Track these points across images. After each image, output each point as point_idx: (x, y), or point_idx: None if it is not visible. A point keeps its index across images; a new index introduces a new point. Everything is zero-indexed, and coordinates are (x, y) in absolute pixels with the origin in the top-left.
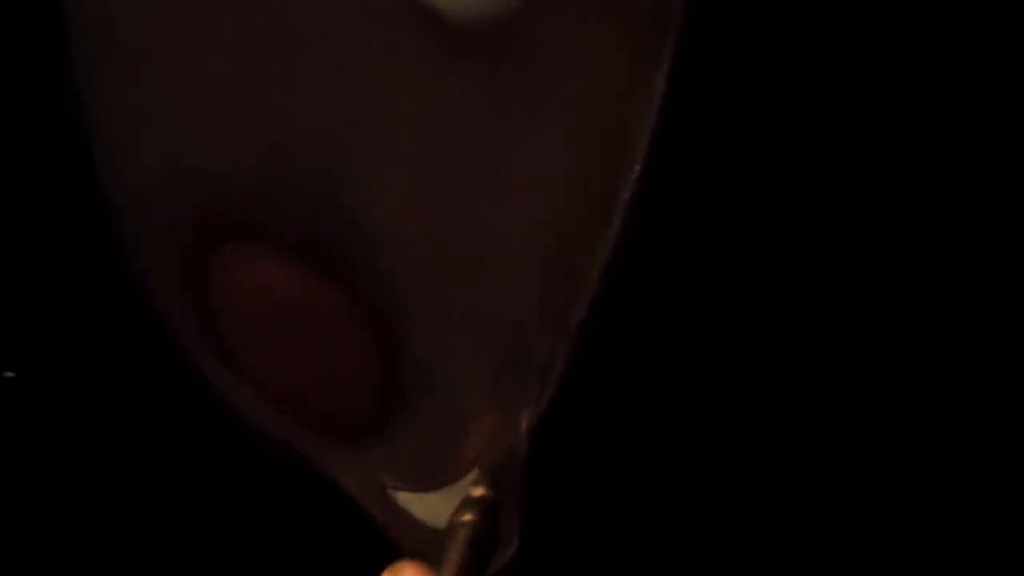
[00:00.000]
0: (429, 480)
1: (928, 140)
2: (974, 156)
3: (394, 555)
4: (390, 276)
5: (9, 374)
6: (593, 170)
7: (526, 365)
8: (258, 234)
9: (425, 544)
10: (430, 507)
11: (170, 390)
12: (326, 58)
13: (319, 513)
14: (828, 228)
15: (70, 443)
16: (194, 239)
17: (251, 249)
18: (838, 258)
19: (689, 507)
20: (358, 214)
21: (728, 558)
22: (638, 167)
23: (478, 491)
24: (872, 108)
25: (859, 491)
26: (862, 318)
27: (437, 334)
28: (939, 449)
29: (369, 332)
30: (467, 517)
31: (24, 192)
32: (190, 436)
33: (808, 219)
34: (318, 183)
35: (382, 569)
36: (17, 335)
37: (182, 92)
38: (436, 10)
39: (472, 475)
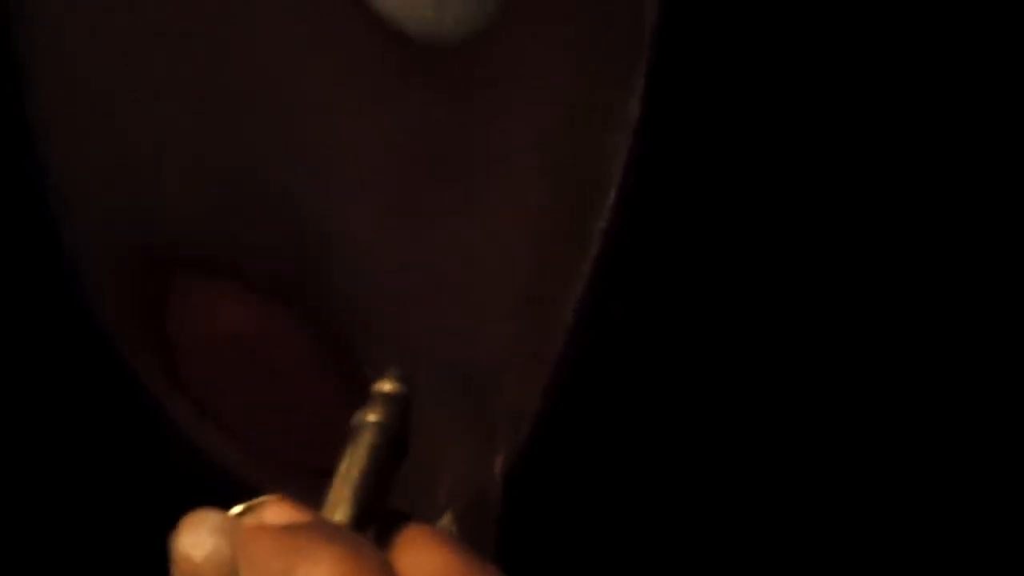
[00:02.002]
0: None
1: (908, 136)
2: (966, 152)
3: None
4: (356, 313)
5: None
6: (567, 197)
7: (499, 405)
8: (214, 267)
9: None
10: None
11: (129, 422)
12: (283, 84)
13: None
14: (806, 250)
15: (27, 483)
16: (146, 272)
17: (208, 283)
18: (813, 272)
19: (674, 552)
20: (320, 246)
21: None
22: (614, 194)
23: (387, 385)
24: (852, 111)
25: (852, 489)
26: (841, 316)
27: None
28: (936, 448)
29: (335, 371)
30: (372, 417)
31: None
32: (151, 470)
33: (787, 250)
34: (276, 213)
35: None
36: None
37: (132, 116)
38: (398, 29)
39: (445, 519)
